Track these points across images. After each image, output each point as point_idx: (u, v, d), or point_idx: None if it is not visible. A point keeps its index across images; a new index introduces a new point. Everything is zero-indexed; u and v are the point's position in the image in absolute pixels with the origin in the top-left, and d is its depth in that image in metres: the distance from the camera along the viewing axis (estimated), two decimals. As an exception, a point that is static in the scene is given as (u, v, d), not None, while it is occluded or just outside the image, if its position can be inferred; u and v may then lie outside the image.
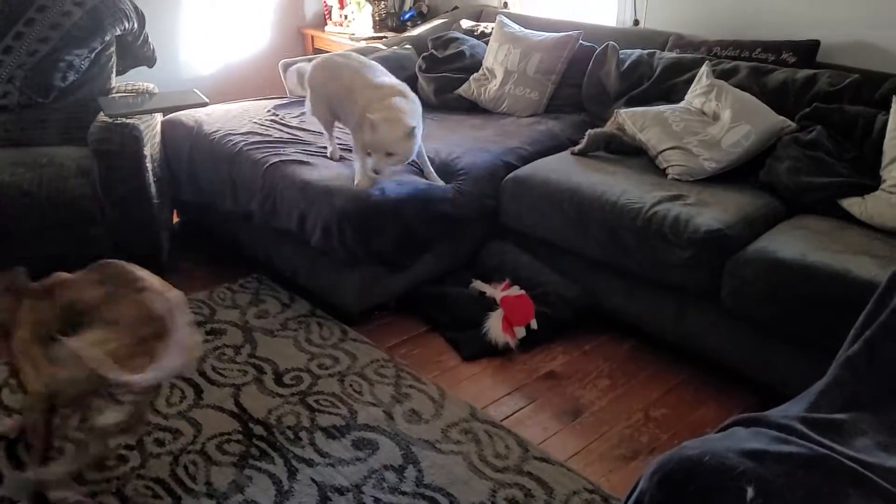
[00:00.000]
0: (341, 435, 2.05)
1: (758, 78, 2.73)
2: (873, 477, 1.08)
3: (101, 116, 2.70)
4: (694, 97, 2.75)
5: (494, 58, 3.41)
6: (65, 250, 2.61)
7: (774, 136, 2.54)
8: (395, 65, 3.58)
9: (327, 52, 4.06)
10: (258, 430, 2.06)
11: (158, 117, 2.98)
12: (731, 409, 2.18)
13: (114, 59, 3.08)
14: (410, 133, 2.43)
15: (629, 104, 2.99)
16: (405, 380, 2.29)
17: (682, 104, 2.77)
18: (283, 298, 2.74)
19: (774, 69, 2.75)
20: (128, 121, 2.64)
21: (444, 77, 3.46)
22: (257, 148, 2.76)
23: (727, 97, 2.65)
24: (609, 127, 2.82)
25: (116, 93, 3.03)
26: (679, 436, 2.12)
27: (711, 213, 2.29)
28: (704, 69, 2.78)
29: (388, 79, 2.68)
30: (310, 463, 1.94)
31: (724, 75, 2.78)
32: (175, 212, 3.23)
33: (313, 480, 1.88)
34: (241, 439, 2.02)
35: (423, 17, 4.28)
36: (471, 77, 3.45)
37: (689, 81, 2.83)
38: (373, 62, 2.76)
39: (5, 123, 2.86)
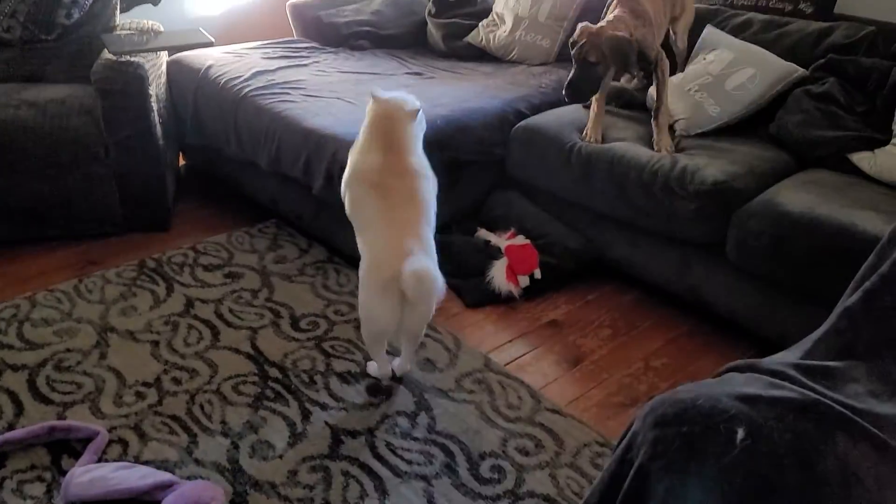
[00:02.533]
0: (355, 380, 2.07)
1: (770, 31, 2.68)
2: (861, 421, 1.09)
3: (105, 54, 2.67)
4: (698, 51, 2.71)
5: (505, 3, 3.34)
6: (69, 189, 2.61)
7: (782, 80, 2.50)
8: (405, 9, 3.54)
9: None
10: (273, 372, 2.09)
11: (164, 56, 2.95)
12: (730, 360, 2.18)
13: (118, -5, 3.03)
14: None
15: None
16: (421, 328, 2.31)
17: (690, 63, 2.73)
18: (300, 244, 2.75)
19: (788, 21, 2.69)
20: (132, 59, 2.61)
21: (455, 23, 3.40)
22: (262, 94, 2.73)
23: (730, 45, 2.61)
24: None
25: (121, 31, 2.99)
26: (678, 385, 2.13)
27: (718, 165, 2.27)
28: (708, 28, 2.73)
29: None
30: (323, 406, 1.97)
31: (737, 29, 2.74)
32: (181, 155, 3.22)
33: (326, 423, 1.91)
34: (257, 381, 2.05)
35: (434, -39, 4.17)
36: (480, 23, 3.38)
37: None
38: None
39: (8, 59, 2.84)
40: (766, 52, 2.58)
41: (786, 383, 1.18)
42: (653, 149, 2.43)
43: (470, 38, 3.37)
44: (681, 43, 2.77)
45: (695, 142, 2.45)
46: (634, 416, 1.26)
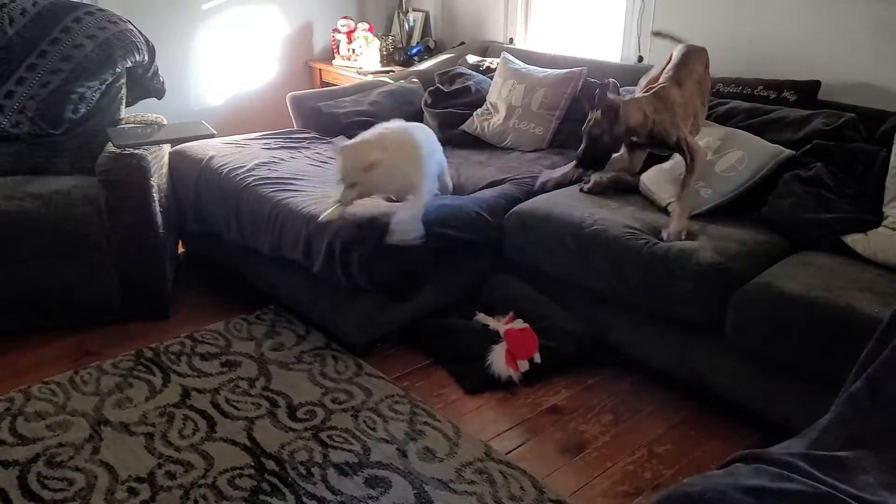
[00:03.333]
0: (354, 472, 2.03)
1: (755, 117, 2.77)
2: (876, 516, 1.07)
3: (110, 147, 2.74)
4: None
5: (498, 93, 3.46)
6: (70, 278, 2.63)
7: (770, 160, 2.55)
8: (401, 99, 3.65)
9: (335, 85, 4.13)
10: (270, 464, 2.04)
11: (166, 148, 3.02)
12: (735, 446, 2.15)
13: (124, 90, 3.13)
14: (370, 166, 2.43)
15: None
16: (420, 416, 2.28)
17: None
18: (298, 331, 2.74)
19: (772, 109, 2.78)
20: (135, 152, 2.68)
21: (449, 112, 3.51)
22: (264, 183, 2.78)
23: (715, 132, 2.70)
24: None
25: (125, 124, 3.08)
26: (683, 472, 2.09)
27: (714, 246, 2.29)
28: None
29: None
30: (321, 500, 1.91)
31: (722, 118, 2.83)
32: (180, 242, 3.25)
33: (322, 517, 1.86)
34: (253, 474, 2.00)
35: (429, 52, 4.35)
36: (474, 112, 3.49)
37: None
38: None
39: (15, 153, 2.91)
40: (750, 134, 2.66)
41: (795, 475, 1.16)
42: (648, 227, 2.45)
43: (465, 126, 3.47)
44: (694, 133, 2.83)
45: (690, 224, 2.48)
46: (641, 510, 1.23)
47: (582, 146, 2.44)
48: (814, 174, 2.45)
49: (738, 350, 2.18)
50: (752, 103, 2.86)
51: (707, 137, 2.70)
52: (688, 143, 2.48)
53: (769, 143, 2.60)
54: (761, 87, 2.90)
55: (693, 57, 2.62)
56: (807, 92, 2.81)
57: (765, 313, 2.08)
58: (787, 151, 2.57)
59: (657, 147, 2.58)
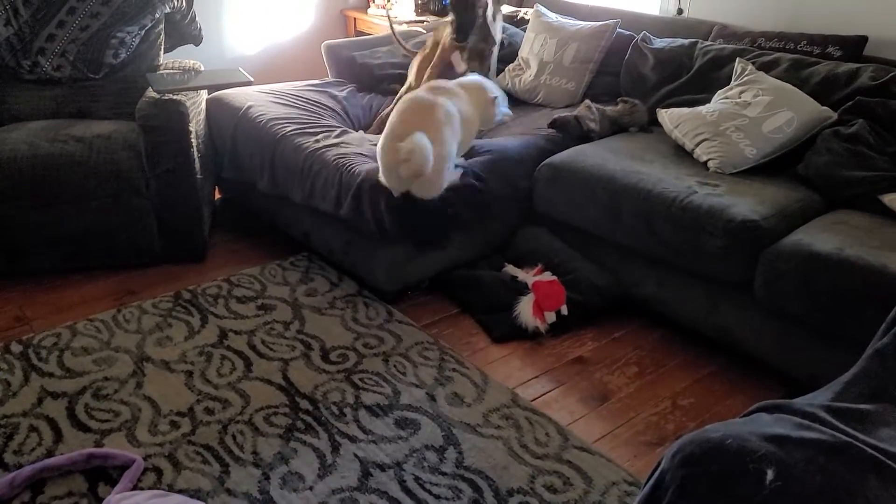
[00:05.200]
0: (384, 413, 2.10)
1: (799, 71, 2.70)
2: (893, 465, 1.09)
3: (149, 92, 2.78)
4: (731, 88, 2.73)
5: (530, 48, 3.41)
6: (110, 219, 2.71)
7: (817, 125, 2.52)
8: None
9: (369, 34, 4.11)
10: (304, 404, 2.12)
11: (204, 94, 3.06)
12: (759, 401, 2.17)
13: (162, 36, 3.16)
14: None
15: (669, 97, 2.98)
16: (448, 363, 2.33)
17: (717, 99, 2.75)
18: (331, 278, 2.80)
19: (817, 62, 2.71)
20: (174, 97, 2.72)
21: (484, 62, 3.47)
22: (299, 133, 2.81)
23: (766, 85, 2.63)
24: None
25: (164, 70, 3.12)
26: (706, 425, 2.11)
27: (748, 203, 2.28)
28: (739, 63, 2.76)
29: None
30: (353, 439, 1.99)
31: (764, 67, 2.75)
32: (217, 189, 3.32)
33: (356, 456, 1.93)
34: (288, 412, 2.08)
35: (464, 2, 4.28)
36: (506, 68, 3.45)
37: (730, 73, 2.81)
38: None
39: (57, 97, 2.97)
40: (803, 94, 2.59)
41: (816, 425, 1.18)
42: (681, 182, 2.45)
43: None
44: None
45: (724, 179, 2.46)
46: (662, 455, 1.26)
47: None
48: (854, 131, 2.40)
49: (766, 307, 2.19)
50: (798, 55, 2.79)
51: (756, 89, 2.64)
52: None
53: (819, 106, 2.55)
54: (805, 43, 2.83)
55: None
56: (852, 47, 2.74)
57: (795, 272, 2.07)
58: (836, 116, 2.52)
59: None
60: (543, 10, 3.52)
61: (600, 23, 3.32)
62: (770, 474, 1.08)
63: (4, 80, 2.96)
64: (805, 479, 1.08)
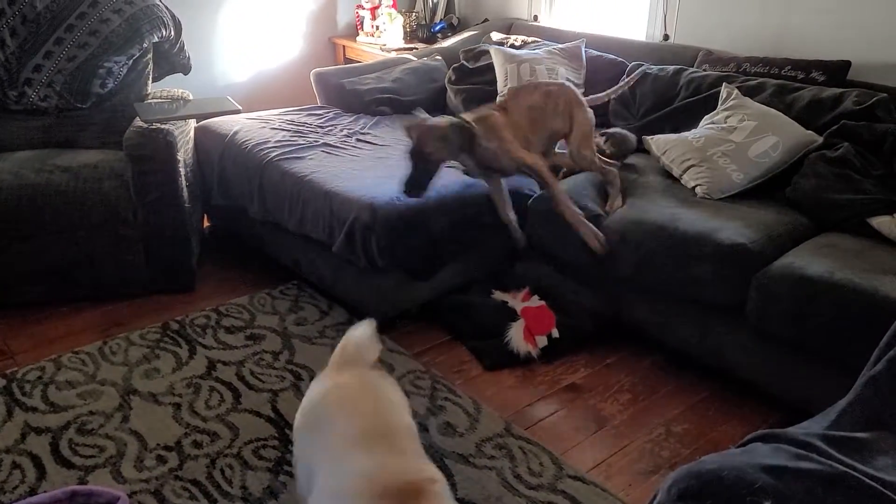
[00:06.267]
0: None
1: (783, 95, 2.73)
2: (892, 495, 1.08)
3: (137, 122, 2.77)
4: (717, 114, 2.75)
5: (518, 78, 3.38)
6: (96, 249, 2.68)
7: (802, 148, 2.54)
8: (424, 76, 3.65)
9: (358, 62, 4.13)
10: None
11: (192, 123, 3.05)
12: (753, 427, 2.16)
13: (150, 65, 3.16)
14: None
15: (657, 123, 2.99)
16: (441, 392, 2.31)
17: (703, 125, 2.76)
18: (321, 306, 2.78)
19: (801, 87, 2.74)
20: (162, 126, 2.71)
21: (473, 89, 3.49)
22: (286, 158, 2.81)
23: (752, 110, 2.65)
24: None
25: (152, 99, 3.11)
26: (700, 452, 2.11)
27: (736, 228, 2.28)
28: (725, 88, 2.79)
29: None
30: (340, 471, 1.96)
31: (750, 92, 2.78)
32: (205, 217, 3.30)
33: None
34: (277, 445, 2.05)
35: (453, 29, 4.33)
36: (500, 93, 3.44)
37: (716, 98, 2.83)
38: None
39: (44, 127, 2.95)
40: (787, 118, 2.61)
41: (813, 455, 1.17)
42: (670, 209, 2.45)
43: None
44: (576, 152, 2.65)
45: (712, 205, 2.47)
46: (658, 487, 1.24)
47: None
48: (840, 154, 2.42)
49: (758, 332, 2.18)
50: (782, 81, 2.82)
51: (741, 114, 2.66)
52: (529, 166, 2.51)
53: (804, 130, 2.57)
54: (789, 68, 2.86)
55: (523, 91, 2.65)
56: (836, 72, 2.76)
57: (787, 295, 2.07)
58: (821, 139, 2.54)
59: (492, 171, 2.59)
60: (497, 48, 3.46)
61: (569, 43, 3.38)
62: (768, 507, 1.07)
63: (-9, 110, 2.95)
64: (803, 512, 1.06)
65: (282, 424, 2.13)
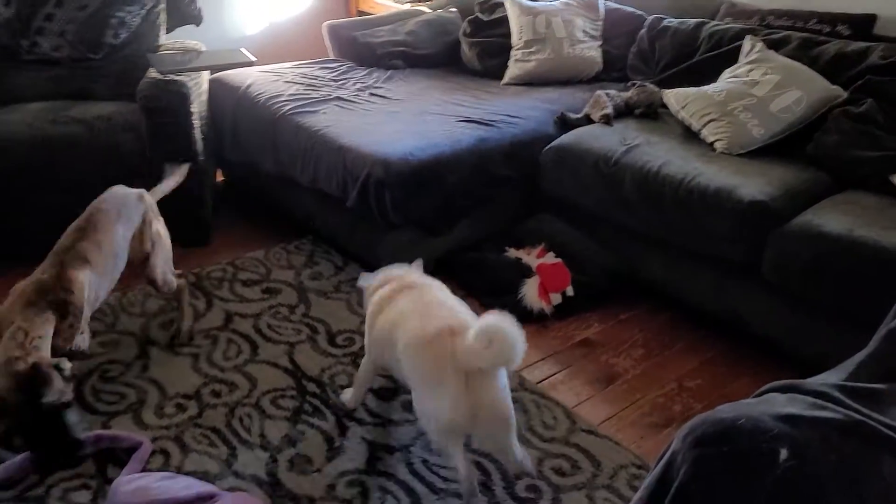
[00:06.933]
0: (391, 397, 2.09)
1: (808, 49, 2.67)
2: (910, 445, 1.08)
3: (151, 73, 2.75)
4: (739, 67, 2.70)
5: (533, 31, 3.32)
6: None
7: (826, 104, 2.49)
8: (439, 29, 3.59)
9: (371, 13, 4.06)
10: (311, 387, 2.11)
11: (206, 75, 3.03)
12: (766, 383, 2.16)
13: (163, 16, 3.12)
14: None
15: (676, 77, 2.94)
16: (454, 346, 2.32)
17: (725, 78, 2.71)
18: (336, 261, 2.78)
19: (826, 41, 2.68)
20: (176, 78, 2.68)
21: (489, 41, 3.43)
22: (299, 112, 2.78)
23: (775, 64, 2.59)
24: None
25: (165, 50, 3.08)
26: (713, 406, 2.07)
27: (756, 184, 2.26)
28: (748, 41, 2.73)
29: None
30: (360, 422, 1.99)
31: (774, 46, 2.71)
32: (219, 170, 3.29)
33: (363, 439, 1.93)
34: (295, 395, 2.08)
35: (468, -19, 4.23)
36: (511, 57, 3.37)
37: (737, 52, 2.78)
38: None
39: (56, 77, 2.93)
40: (812, 72, 2.56)
41: (829, 404, 1.17)
42: (688, 163, 2.42)
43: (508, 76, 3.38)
44: (160, 278, 2.17)
45: (732, 160, 2.44)
46: (672, 436, 1.25)
47: None
48: (864, 110, 2.38)
49: (774, 289, 2.18)
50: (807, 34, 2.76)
51: (764, 68, 2.60)
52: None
53: (829, 85, 2.52)
54: (814, 21, 2.80)
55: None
56: (861, 25, 2.70)
57: (804, 253, 2.06)
58: (845, 94, 2.49)
59: None
60: (521, 0, 3.38)
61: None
62: (784, 454, 1.07)
63: (4, 60, 2.93)
64: (819, 459, 1.07)
65: (299, 375, 2.16)
